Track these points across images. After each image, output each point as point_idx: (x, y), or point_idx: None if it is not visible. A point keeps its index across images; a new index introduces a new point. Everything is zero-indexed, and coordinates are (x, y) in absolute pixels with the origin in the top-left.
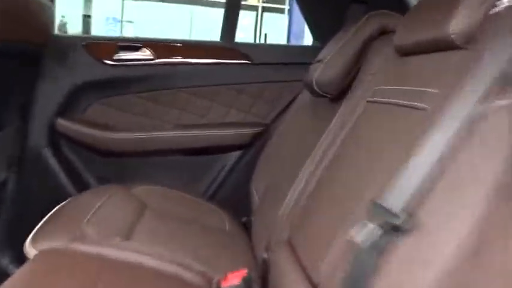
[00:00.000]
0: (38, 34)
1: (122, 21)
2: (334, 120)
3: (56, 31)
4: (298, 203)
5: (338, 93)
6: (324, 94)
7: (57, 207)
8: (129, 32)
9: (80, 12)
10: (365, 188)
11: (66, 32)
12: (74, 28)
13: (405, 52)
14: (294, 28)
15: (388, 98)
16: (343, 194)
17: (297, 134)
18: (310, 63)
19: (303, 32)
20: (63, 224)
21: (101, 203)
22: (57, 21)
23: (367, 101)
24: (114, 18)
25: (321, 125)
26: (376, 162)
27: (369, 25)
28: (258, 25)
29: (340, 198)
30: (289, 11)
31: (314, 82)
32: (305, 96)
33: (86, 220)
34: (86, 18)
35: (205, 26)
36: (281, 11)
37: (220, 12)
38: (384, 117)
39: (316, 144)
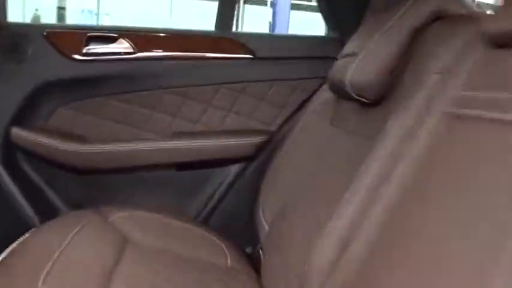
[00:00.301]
0: None
1: (98, 13)
2: (384, 135)
3: None
4: (347, 255)
5: (379, 97)
6: (361, 98)
7: (7, 250)
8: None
9: (54, 4)
10: (490, 262)
11: None
12: (48, 21)
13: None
14: (277, 20)
15: (488, 111)
16: (444, 261)
17: (317, 146)
18: (330, 58)
19: (287, 27)
20: (11, 283)
21: (69, 241)
22: (30, 15)
23: (445, 113)
24: (89, 11)
25: (358, 139)
26: (502, 217)
27: (420, 8)
28: (240, 18)
29: (440, 267)
30: (273, 3)
31: (348, 83)
32: (323, 97)
33: (44, 272)
34: (60, 10)
35: (187, 17)
36: (263, 3)
37: (202, 4)
38: (491, 142)
39: (358, 168)
